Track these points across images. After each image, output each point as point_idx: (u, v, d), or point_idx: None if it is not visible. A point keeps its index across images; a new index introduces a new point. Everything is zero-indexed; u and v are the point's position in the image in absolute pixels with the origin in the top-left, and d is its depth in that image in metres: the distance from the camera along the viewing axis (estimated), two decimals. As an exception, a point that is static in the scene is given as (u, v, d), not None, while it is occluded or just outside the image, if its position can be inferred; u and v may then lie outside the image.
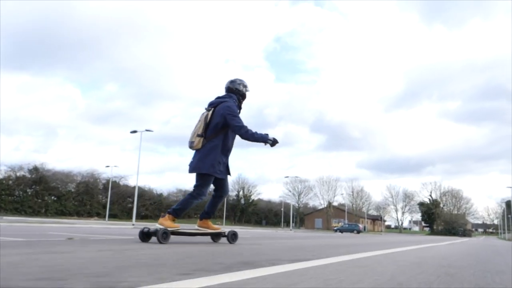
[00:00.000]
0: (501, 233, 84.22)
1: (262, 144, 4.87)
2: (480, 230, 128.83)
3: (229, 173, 5.02)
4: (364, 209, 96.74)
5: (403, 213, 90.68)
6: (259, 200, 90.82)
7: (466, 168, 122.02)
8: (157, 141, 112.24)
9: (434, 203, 75.46)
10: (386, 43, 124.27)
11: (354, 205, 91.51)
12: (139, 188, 46.84)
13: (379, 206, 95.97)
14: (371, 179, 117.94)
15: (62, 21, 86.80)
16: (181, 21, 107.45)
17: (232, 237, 5.23)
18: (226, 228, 5.81)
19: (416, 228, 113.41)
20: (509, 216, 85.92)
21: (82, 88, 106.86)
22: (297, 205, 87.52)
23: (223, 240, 5.31)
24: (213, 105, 4.94)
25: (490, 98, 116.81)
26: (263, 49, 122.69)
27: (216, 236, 5.31)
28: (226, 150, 4.92)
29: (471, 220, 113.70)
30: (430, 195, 77.60)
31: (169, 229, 4.54)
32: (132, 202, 43.09)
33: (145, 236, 4.66)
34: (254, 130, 4.81)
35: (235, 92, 5.08)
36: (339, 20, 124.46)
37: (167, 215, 4.72)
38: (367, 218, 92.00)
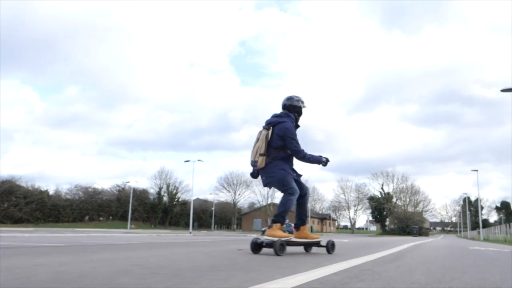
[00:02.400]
0: (460, 231, 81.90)
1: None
2: (438, 228, 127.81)
3: (300, 175, 5.11)
4: (317, 209, 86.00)
5: (355, 211, 79.74)
6: (198, 199, 77.73)
7: (425, 169, 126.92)
8: (119, 145, 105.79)
9: (386, 198, 64.94)
10: (348, 48, 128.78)
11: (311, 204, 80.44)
12: None
13: (333, 205, 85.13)
14: (334, 181, 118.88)
15: (20, 21, 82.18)
16: (145, 23, 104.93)
17: (331, 247, 5.20)
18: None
19: (374, 228, 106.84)
20: (468, 212, 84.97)
21: (41, 92, 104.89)
22: (232, 203, 74.83)
23: (317, 249, 5.28)
24: (271, 124, 5.06)
25: (445, 102, 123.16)
26: (228, 53, 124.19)
27: (310, 246, 5.22)
28: (289, 156, 5.05)
29: (429, 218, 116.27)
30: (382, 188, 67.52)
31: (283, 239, 4.47)
32: None
33: (257, 247, 4.66)
34: (307, 153, 5.03)
35: (292, 110, 5.17)
36: (302, 25, 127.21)
37: (274, 225, 4.68)
38: (315, 217, 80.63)
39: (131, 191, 60.20)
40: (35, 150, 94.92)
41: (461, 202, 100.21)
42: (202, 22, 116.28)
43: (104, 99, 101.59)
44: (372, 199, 66.11)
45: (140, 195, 67.85)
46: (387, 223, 64.70)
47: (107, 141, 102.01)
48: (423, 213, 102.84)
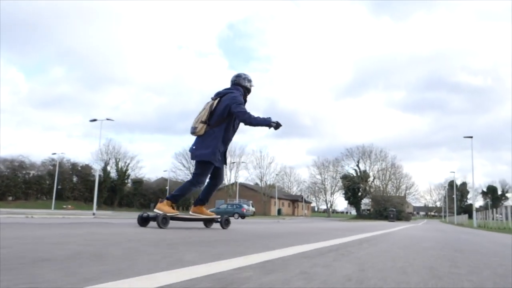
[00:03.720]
0: (444, 216, 78.06)
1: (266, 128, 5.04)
2: (422, 213, 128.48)
3: (225, 163, 5.24)
4: (293, 191, 78.17)
5: (332, 193, 71.70)
6: (162, 178, 69.17)
7: (411, 155, 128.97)
8: (105, 127, 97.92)
9: (362, 176, 56.97)
10: (337, 32, 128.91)
11: (282, 185, 73.00)
12: None
13: (309, 187, 77.14)
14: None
15: (5, 1, 75.74)
16: (133, 4, 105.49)
17: (225, 223, 5.56)
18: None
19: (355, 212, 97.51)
20: (453, 196, 79.24)
21: (26, 72, 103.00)
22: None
23: (215, 225, 5.53)
24: (219, 95, 5.16)
25: (432, 89, 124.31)
26: (216, 36, 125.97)
27: (209, 222, 5.57)
28: (226, 139, 5.13)
29: (413, 202, 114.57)
30: (357, 165, 59.30)
31: (168, 214, 4.74)
32: None
33: (143, 221, 4.90)
34: (253, 115, 4.98)
35: (241, 86, 5.28)
36: (291, 9, 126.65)
37: (165, 201, 4.93)
38: (284, 199, 72.70)
39: (70, 166, 51.21)
40: (20, 131, 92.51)
41: (446, 186, 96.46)
42: (191, 5, 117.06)
43: (91, 80, 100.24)
44: (345, 177, 57.60)
45: (82, 171, 58.88)
46: (363, 205, 57.05)
47: (94, 123, 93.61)
48: (406, 197, 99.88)
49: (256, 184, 66.55)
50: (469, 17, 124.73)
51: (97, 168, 54.95)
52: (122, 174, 63.71)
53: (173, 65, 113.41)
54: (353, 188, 54.23)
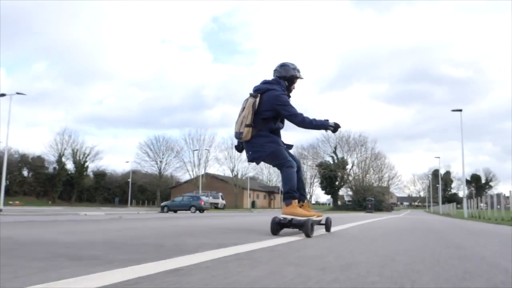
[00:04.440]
0: (429, 206, 75.82)
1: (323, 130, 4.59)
2: (406, 203, 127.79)
3: (290, 146, 4.69)
4: (274, 183, 73.43)
5: (311, 183, 67.03)
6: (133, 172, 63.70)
7: (395, 147, 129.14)
8: (88, 122, 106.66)
9: (339, 164, 52.45)
10: (321, 26, 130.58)
11: (261, 177, 68.35)
12: None
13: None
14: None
15: None
16: None
17: (330, 224, 4.88)
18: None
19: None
20: (437, 185, 77.15)
21: (7, 67, 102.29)
22: (157, 174, 61.09)
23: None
24: (259, 90, 4.53)
25: (415, 81, 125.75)
26: (200, 30, 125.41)
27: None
28: (275, 129, 4.58)
29: (396, 192, 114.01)
30: (334, 152, 54.50)
31: (314, 219, 4.19)
32: None
33: (279, 228, 4.12)
34: (308, 116, 4.47)
35: (284, 78, 4.64)
36: (275, 1, 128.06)
37: (293, 202, 4.16)
38: (259, 191, 68.03)
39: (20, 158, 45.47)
40: (1, 127, 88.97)
41: (430, 176, 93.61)
42: None
43: (74, 75, 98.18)
44: (321, 165, 52.49)
45: (33, 163, 53.17)
46: (343, 195, 52.66)
47: (76, 118, 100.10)
48: (390, 187, 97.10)
49: (234, 175, 61.51)
50: (450, 9, 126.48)
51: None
52: (80, 166, 58.03)
53: (156, 59, 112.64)
54: (329, 176, 49.65)
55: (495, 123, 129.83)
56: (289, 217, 4.03)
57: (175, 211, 32.38)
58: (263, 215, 14.27)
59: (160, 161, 62.04)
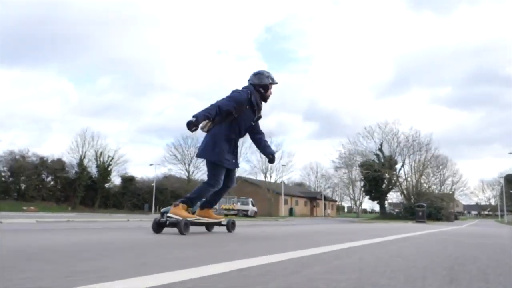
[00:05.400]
0: (502, 215, 65.09)
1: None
2: (474, 212, 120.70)
3: (237, 165, 4.99)
4: (321, 188, 66.15)
5: (362, 188, 58.48)
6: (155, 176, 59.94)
7: (460, 153, 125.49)
8: (150, 132, 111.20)
9: (386, 163, 43.57)
10: (376, 30, 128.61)
11: (308, 182, 61.22)
12: None
13: (329, 181, 64.63)
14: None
15: (53, 15, 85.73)
16: (172, 11, 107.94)
17: (232, 226, 5.36)
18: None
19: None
20: (511, 191, 71.74)
21: (76, 82, 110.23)
22: (186, 178, 56.03)
23: (219, 229, 5.45)
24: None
25: (481, 83, 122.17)
26: (254, 40, 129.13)
27: (212, 226, 5.32)
28: (233, 139, 4.81)
29: (464, 201, 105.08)
30: (380, 149, 43.85)
31: (189, 219, 4.53)
32: None
33: (159, 226, 4.62)
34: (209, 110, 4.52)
35: (259, 85, 4.93)
36: (329, 8, 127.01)
37: (180, 205, 4.62)
38: (298, 197, 60.82)
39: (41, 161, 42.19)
40: (71, 138, 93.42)
41: (502, 181, 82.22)
42: (228, 9, 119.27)
43: (136, 88, 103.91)
44: (362, 165, 42.54)
45: (52, 166, 49.89)
46: (390, 201, 44.00)
47: (139, 128, 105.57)
48: (454, 193, 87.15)
49: (266, 179, 54.95)
50: None
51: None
52: (103, 169, 54.17)
53: (213, 70, 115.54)
54: (374, 178, 41.24)
55: None
56: (174, 217, 4.43)
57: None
58: (281, 225, 11.86)
59: (189, 164, 56.96)
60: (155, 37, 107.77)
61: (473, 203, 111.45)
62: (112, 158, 55.37)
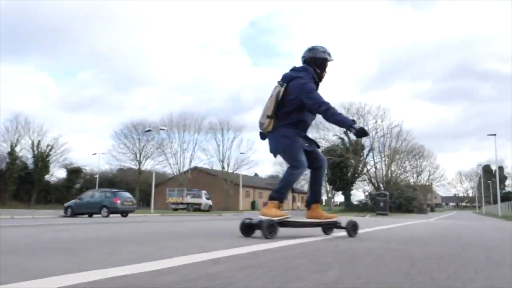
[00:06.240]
0: (479, 206, 66.37)
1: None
2: (452, 204, 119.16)
3: (317, 145, 4.47)
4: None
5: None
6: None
7: (440, 146, 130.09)
8: (132, 127, 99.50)
9: (351, 147, 37.34)
10: (359, 25, 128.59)
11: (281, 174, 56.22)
12: None
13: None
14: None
15: (33, 8, 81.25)
16: (156, 5, 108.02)
17: (353, 229, 4.34)
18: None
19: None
20: (489, 182, 71.91)
21: (56, 76, 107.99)
22: (136, 169, 50.31)
23: (338, 232, 4.52)
24: (285, 79, 4.22)
25: (460, 78, 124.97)
26: (238, 34, 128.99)
27: (329, 228, 4.48)
28: (303, 129, 4.29)
29: (440, 191, 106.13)
30: (346, 132, 37.77)
31: (275, 219, 3.79)
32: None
33: (248, 229, 3.96)
34: (336, 109, 4.03)
35: (313, 63, 4.28)
36: (313, 2, 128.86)
37: (269, 203, 3.99)
38: (263, 189, 55.66)
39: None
40: (51, 134, 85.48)
41: (480, 172, 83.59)
42: (212, 3, 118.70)
43: (118, 82, 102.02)
44: (327, 151, 35.90)
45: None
46: (356, 191, 38.85)
47: (122, 123, 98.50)
48: (431, 185, 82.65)
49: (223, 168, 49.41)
50: (495, 0, 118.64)
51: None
52: (42, 159, 47.92)
53: (196, 64, 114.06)
54: (338, 165, 35.74)
55: None
56: (264, 218, 3.80)
57: (85, 214, 21.26)
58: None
59: (140, 154, 51.13)
60: (139, 31, 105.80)
61: (451, 194, 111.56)
62: (52, 147, 49.15)
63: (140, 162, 51.30)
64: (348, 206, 37.63)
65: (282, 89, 4.08)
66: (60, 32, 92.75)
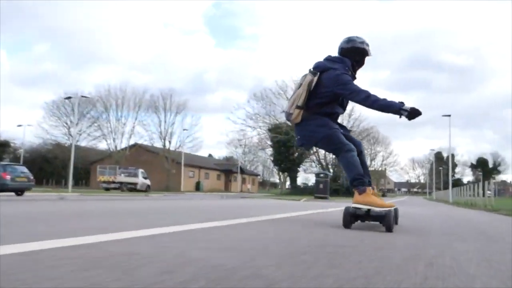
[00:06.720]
0: (430, 192, 66.38)
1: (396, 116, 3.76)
2: (404, 189, 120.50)
3: (347, 130, 4.25)
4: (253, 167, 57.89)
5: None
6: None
7: (396, 133, 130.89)
8: (91, 105, 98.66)
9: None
10: (322, 12, 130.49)
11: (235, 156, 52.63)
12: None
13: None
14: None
15: None
16: None
17: (395, 219, 3.94)
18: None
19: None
20: (441, 168, 73.95)
21: (8, 49, 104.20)
22: (68, 144, 45.74)
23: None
24: (318, 68, 3.97)
25: (417, 68, 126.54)
26: (202, 14, 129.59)
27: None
28: (334, 121, 4.07)
29: (394, 177, 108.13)
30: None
31: (389, 208, 3.57)
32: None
33: (353, 220, 3.68)
34: (376, 95, 3.85)
35: (351, 55, 4.03)
36: None
37: (367, 189, 3.65)
38: (209, 169, 52.42)
39: None
40: (4, 109, 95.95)
41: (432, 158, 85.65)
42: None
43: (75, 58, 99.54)
44: (273, 129, 33.74)
45: None
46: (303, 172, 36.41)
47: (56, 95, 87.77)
48: (385, 170, 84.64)
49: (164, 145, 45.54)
50: None
51: None
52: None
53: (159, 43, 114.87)
54: (284, 144, 32.66)
55: (496, 111, 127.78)
56: (364, 207, 3.54)
57: None
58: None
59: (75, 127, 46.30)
60: (100, 7, 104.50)
61: (404, 180, 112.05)
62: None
63: (74, 137, 46.50)
64: (294, 189, 35.01)
65: (315, 78, 3.84)
66: (15, 3, 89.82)
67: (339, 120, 4.07)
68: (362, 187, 3.58)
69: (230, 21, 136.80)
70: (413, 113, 3.65)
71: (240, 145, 47.84)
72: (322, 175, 21.39)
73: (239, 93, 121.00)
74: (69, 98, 33.88)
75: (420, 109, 3.67)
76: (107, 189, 34.12)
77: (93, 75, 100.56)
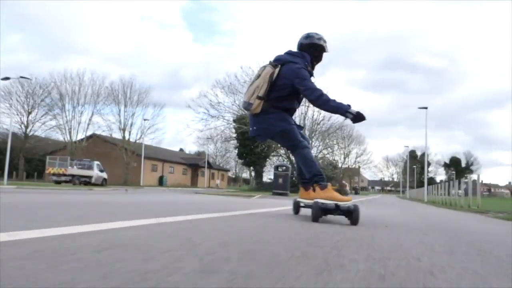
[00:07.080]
0: (403, 191, 66.12)
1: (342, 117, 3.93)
2: (378, 187, 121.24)
3: (300, 127, 4.30)
4: (222, 163, 55.01)
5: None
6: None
7: (370, 133, 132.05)
8: (45, 93, 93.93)
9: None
10: (301, 10, 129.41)
11: (207, 150, 49.64)
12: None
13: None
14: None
15: None
16: None
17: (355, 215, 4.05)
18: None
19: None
20: (414, 166, 74.76)
21: None
22: (23, 133, 42.14)
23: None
24: (280, 61, 4.04)
25: (391, 69, 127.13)
26: (180, 9, 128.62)
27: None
28: (291, 116, 4.24)
29: (368, 175, 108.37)
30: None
31: (349, 203, 3.75)
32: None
33: (321, 214, 3.65)
34: (328, 95, 3.92)
35: (310, 50, 4.15)
36: None
37: (329, 185, 3.83)
38: (174, 163, 49.64)
39: None
40: None
41: (406, 157, 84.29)
42: None
43: (50, 49, 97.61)
44: (239, 119, 30.42)
45: None
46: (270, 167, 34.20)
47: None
48: (359, 168, 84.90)
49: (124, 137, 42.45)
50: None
51: None
52: None
53: (135, 36, 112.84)
54: (249, 136, 30.06)
55: (468, 113, 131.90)
56: (329, 202, 3.60)
57: None
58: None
59: (28, 114, 42.68)
60: None
61: (377, 178, 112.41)
62: None
63: (26, 126, 42.90)
64: (259, 185, 32.67)
65: (276, 70, 3.91)
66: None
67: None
68: (324, 182, 3.74)
69: (208, 16, 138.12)
70: (357, 117, 3.76)
71: (208, 138, 44.95)
72: (281, 168, 19.03)
73: (216, 89, 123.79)
74: (6, 78, 30.43)
75: (364, 114, 3.75)
76: (57, 182, 31.10)
77: (68, 66, 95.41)
